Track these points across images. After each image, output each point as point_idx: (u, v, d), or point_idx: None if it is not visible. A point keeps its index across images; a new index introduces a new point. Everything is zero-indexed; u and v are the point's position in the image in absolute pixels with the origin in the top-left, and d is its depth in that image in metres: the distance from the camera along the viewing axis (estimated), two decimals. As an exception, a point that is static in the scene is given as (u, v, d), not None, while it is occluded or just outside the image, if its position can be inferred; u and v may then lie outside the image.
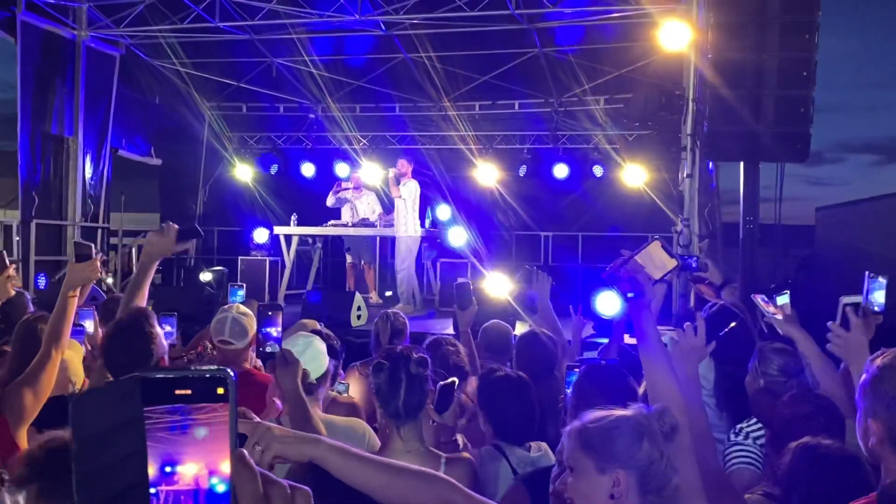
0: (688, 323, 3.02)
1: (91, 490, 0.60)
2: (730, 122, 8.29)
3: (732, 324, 3.55)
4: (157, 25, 11.18)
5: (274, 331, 2.71)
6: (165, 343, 3.31)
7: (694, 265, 4.97)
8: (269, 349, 2.66)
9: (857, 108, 79.11)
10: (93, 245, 3.21)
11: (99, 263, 3.09)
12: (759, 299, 3.35)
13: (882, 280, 2.88)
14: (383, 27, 11.38)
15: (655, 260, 2.14)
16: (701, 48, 8.35)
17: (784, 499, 2.11)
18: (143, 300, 3.08)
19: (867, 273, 2.91)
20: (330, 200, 11.20)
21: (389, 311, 4.72)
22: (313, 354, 3.09)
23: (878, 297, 2.88)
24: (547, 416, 3.33)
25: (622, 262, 2.18)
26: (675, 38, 8.34)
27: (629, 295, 2.14)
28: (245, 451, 0.62)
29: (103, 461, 0.60)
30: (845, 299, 2.73)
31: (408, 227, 9.86)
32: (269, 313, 2.74)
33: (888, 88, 78.95)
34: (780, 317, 3.16)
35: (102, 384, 0.62)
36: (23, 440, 2.74)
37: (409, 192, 9.82)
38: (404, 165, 9.99)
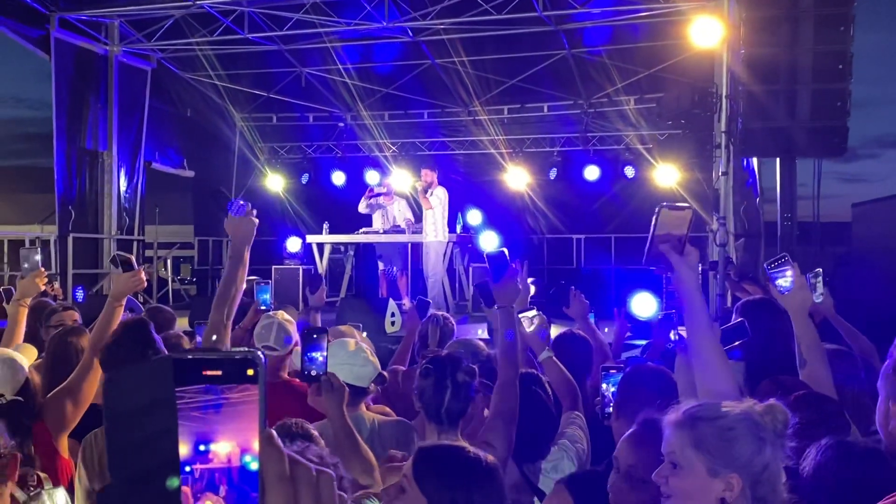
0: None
1: (123, 466, 0.61)
2: (764, 119, 8.18)
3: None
4: (187, 39, 11.31)
5: (319, 355, 2.55)
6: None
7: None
8: (313, 373, 2.53)
9: (890, 102, 77.75)
10: (132, 256, 3.24)
11: (143, 274, 3.11)
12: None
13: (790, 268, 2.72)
14: (410, 33, 11.40)
15: (671, 222, 2.10)
16: (733, 44, 8.24)
17: (811, 499, 2.00)
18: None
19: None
20: (362, 206, 11.21)
21: (438, 313, 4.62)
22: (366, 360, 3.06)
23: (783, 281, 2.76)
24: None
25: (649, 244, 2.13)
26: (707, 35, 8.24)
27: (676, 252, 2.07)
28: (273, 432, 0.62)
29: (135, 438, 0.61)
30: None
31: (437, 233, 9.84)
32: (315, 336, 2.57)
33: (923, 82, 77.50)
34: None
35: (136, 365, 0.62)
36: (64, 448, 2.75)
37: (438, 200, 9.79)
38: (428, 175, 9.89)
